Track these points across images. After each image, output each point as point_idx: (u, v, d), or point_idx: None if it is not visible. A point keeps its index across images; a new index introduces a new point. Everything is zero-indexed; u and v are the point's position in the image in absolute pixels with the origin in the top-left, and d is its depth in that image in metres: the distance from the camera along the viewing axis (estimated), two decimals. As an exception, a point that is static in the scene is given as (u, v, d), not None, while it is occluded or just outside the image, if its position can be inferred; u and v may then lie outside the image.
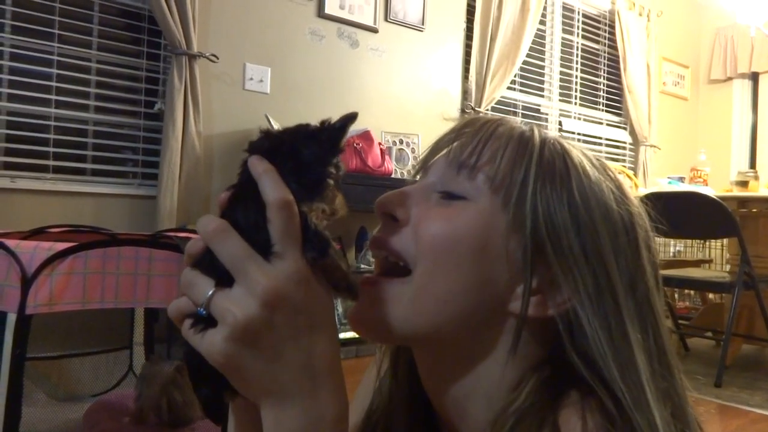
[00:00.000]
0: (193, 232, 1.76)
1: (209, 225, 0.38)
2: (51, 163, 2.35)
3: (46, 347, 1.80)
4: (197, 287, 0.38)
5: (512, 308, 0.44)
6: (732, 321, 2.68)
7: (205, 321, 0.37)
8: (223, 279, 0.37)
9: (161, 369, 1.49)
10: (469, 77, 3.54)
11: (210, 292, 0.37)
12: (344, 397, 0.40)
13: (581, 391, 0.41)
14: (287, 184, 0.38)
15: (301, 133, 0.41)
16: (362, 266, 2.81)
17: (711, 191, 3.20)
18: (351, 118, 0.42)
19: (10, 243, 1.16)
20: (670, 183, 3.60)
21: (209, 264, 0.38)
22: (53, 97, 2.35)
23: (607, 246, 0.44)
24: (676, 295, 4.11)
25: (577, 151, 0.48)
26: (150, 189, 2.51)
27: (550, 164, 0.45)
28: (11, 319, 1.10)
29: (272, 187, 0.38)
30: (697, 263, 3.66)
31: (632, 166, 4.64)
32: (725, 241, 3.55)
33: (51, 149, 2.35)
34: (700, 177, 3.76)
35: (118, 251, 1.20)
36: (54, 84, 2.36)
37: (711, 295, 3.76)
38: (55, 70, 2.36)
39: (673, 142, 4.92)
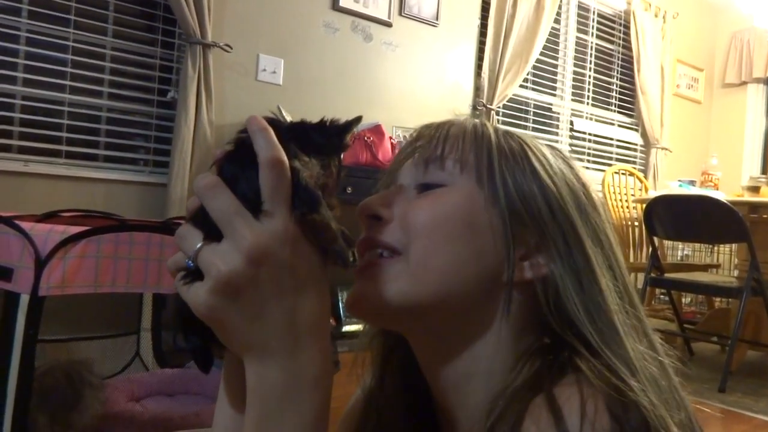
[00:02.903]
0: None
1: (202, 180, 0.39)
2: (64, 148, 2.37)
3: (55, 330, 1.82)
4: (187, 240, 0.39)
5: (505, 279, 0.46)
6: (738, 326, 2.67)
7: (194, 274, 0.38)
8: (212, 233, 0.38)
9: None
10: (482, 74, 3.53)
11: (198, 245, 0.38)
12: (327, 356, 0.41)
13: (577, 371, 0.43)
14: (284, 145, 0.39)
15: (309, 123, 0.43)
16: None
17: (722, 195, 3.19)
18: (357, 120, 0.45)
19: (25, 225, 1.18)
20: (680, 186, 3.59)
21: (201, 219, 0.39)
22: (67, 82, 2.37)
23: (571, 205, 0.48)
24: (684, 299, 4.10)
25: (528, 136, 0.52)
26: (161, 177, 2.53)
27: (508, 146, 0.50)
28: (24, 300, 1.12)
29: (266, 146, 0.38)
30: (704, 267, 3.65)
31: (643, 168, 4.62)
32: (734, 246, 3.53)
33: (64, 134, 2.37)
34: (711, 181, 3.75)
35: (130, 236, 1.21)
36: (69, 70, 2.37)
37: (718, 300, 3.75)
38: (70, 56, 2.37)
39: (685, 145, 4.89)
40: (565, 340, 0.45)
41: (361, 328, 0.57)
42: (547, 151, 0.51)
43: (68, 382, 1.43)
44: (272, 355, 0.39)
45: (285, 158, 0.39)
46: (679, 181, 3.65)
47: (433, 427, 0.53)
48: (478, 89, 3.58)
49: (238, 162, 0.39)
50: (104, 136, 2.48)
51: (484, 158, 0.48)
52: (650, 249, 3.02)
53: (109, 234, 1.19)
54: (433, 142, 0.50)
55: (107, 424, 1.48)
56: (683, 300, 4.07)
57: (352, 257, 0.44)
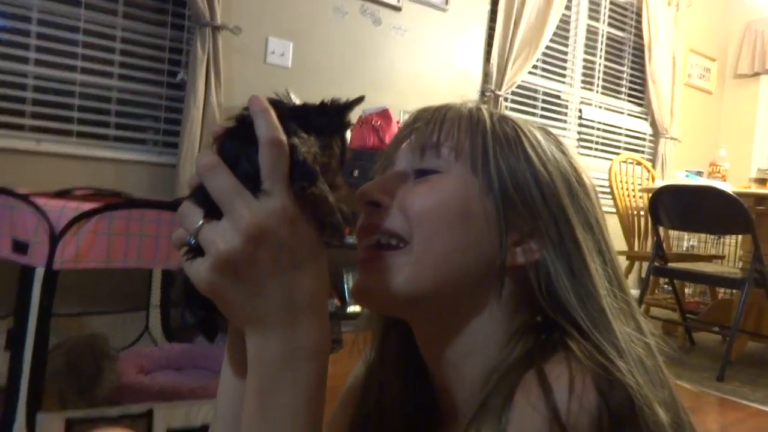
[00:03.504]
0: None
1: (202, 159, 0.40)
2: (75, 127, 2.41)
3: (67, 305, 1.87)
4: (188, 218, 0.40)
5: (498, 261, 0.48)
6: (739, 317, 2.69)
7: (195, 250, 0.40)
8: (212, 212, 0.39)
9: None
10: (491, 60, 3.53)
11: (199, 223, 0.39)
12: (325, 331, 0.43)
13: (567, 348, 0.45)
14: (284, 124, 0.40)
15: (311, 105, 0.44)
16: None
17: (728, 187, 3.19)
18: (358, 100, 0.45)
19: (39, 202, 1.21)
20: (687, 176, 3.58)
21: (202, 197, 0.40)
22: (79, 63, 2.39)
23: (563, 192, 0.49)
24: (687, 290, 4.11)
25: (522, 120, 0.53)
26: (170, 157, 2.56)
27: (502, 132, 0.50)
28: (39, 273, 1.15)
29: (266, 126, 0.39)
30: (709, 258, 3.66)
31: (651, 157, 4.61)
32: (739, 238, 3.53)
33: (75, 114, 2.40)
34: (718, 172, 3.74)
35: (141, 214, 1.25)
36: (80, 51, 2.40)
37: (721, 292, 3.76)
38: (81, 37, 2.40)
39: (695, 135, 4.87)
40: (556, 322, 0.47)
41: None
42: (540, 137, 0.52)
43: (92, 355, 1.48)
44: (271, 328, 0.41)
45: (284, 138, 0.40)
46: (686, 171, 3.65)
47: (431, 401, 0.55)
48: (486, 75, 3.58)
49: (238, 141, 0.40)
50: (114, 116, 2.51)
51: (479, 146, 0.49)
52: (655, 238, 3.03)
53: (120, 211, 1.23)
54: (429, 127, 0.51)
55: (118, 395, 1.52)
56: (687, 291, 4.09)
57: (348, 232, 0.46)
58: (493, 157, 0.49)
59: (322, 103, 0.45)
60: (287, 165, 0.40)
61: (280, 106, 0.42)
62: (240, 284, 0.39)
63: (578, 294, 0.47)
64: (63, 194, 1.67)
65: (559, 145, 0.53)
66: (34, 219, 1.18)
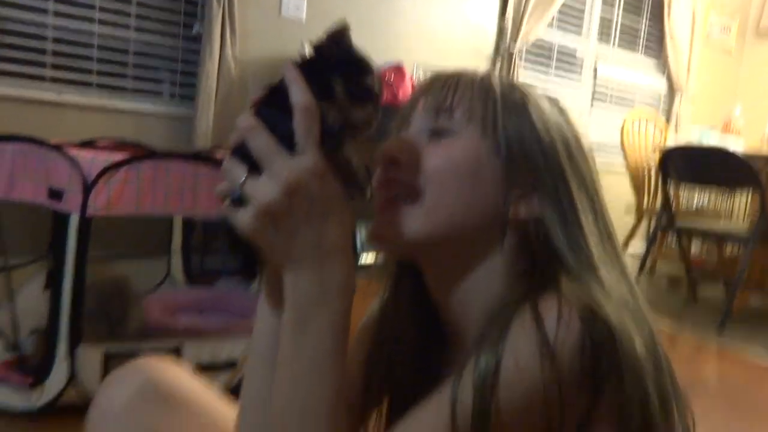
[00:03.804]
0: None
1: (244, 122, 0.46)
2: (94, 79, 2.46)
3: (90, 250, 1.96)
4: (233, 173, 0.47)
5: (502, 215, 0.55)
6: (743, 272, 2.75)
7: (239, 201, 0.46)
8: (254, 168, 0.46)
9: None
10: (506, 15, 3.49)
11: (243, 179, 0.46)
12: (350, 270, 0.49)
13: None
14: (315, 90, 0.46)
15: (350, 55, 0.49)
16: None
17: (741, 142, 3.20)
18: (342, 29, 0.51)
19: (71, 152, 1.28)
20: (701, 133, 3.59)
21: (243, 155, 0.46)
22: (96, 14, 2.42)
23: (562, 155, 0.55)
24: (693, 247, 4.16)
25: (530, 88, 0.58)
26: (187, 109, 2.61)
27: (511, 98, 0.56)
28: (74, 219, 1.23)
29: (300, 93, 0.46)
30: (717, 215, 3.69)
31: (666, 114, 4.59)
32: (749, 198, 3.56)
33: (94, 66, 2.45)
34: (732, 131, 3.73)
35: (166, 165, 1.32)
36: (97, 2, 2.42)
37: (728, 251, 3.81)
38: (98, -13, 2.42)
39: (711, 93, 4.81)
40: (550, 267, 0.53)
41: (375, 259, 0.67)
42: (545, 104, 0.57)
43: (118, 296, 1.58)
44: (304, 268, 0.47)
45: (315, 104, 0.46)
46: (700, 127, 3.65)
47: (440, 337, 0.62)
48: (501, 30, 3.55)
49: (274, 106, 0.47)
50: (132, 68, 2.55)
51: (490, 111, 0.55)
52: (664, 194, 3.06)
53: (147, 162, 1.30)
54: (444, 91, 0.56)
55: (145, 334, 1.63)
56: (695, 249, 4.14)
57: (369, 192, 0.53)
58: (502, 122, 0.54)
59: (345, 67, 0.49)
60: (318, 128, 0.46)
61: (311, 69, 0.48)
62: (278, 230, 0.46)
63: (571, 245, 0.53)
64: (88, 145, 1.74)
65: (562, 111, 0.59)
66: (68, 168, 1.25)
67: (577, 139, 0.58)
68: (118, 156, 1.29)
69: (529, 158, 0.54)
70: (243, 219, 0.45)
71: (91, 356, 1.32)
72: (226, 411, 0.68)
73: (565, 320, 0.47)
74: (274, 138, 0.46)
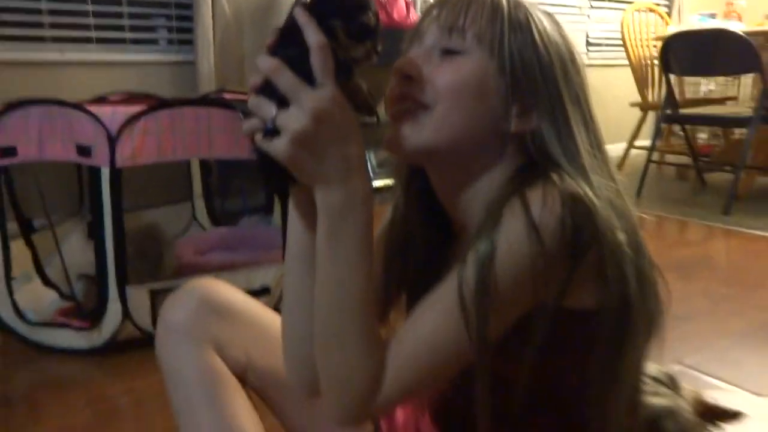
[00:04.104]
0: (234, 92, 1.93)
1: (267, 63, 0.52)
2: (93, 34, 2.49)
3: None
4: (263, 109, 0.53)
5: (504, 128, 0.62)
6: (746, 154, 2.80)
7: (272, 132, 0.53)
8: (283, 102, 0.53)
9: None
10: None
11: (274, 112, 0.52)
12: (370, 183, 0.57)
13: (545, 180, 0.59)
14: (324, 26, 0.52)
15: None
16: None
17: (741, 26, 3.16)
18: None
19: (92, 109, 1.36)
20: (701, 20, 3.53)
21: (270, 92, 0.53)
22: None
23: (559, 73, 0.61)
24: (704, 135, 4.17)
25: (533, 6, 0.63)
26: (187, 54, 2.64)
27: (516, 19, 0.61)
28: (105, 172, 1.33)
29: (314, 34, 0.52)
30: (722, 101, 3.69)
31: (667, 4, 4.47)
32: (753, 79, 3.54)
33: (91, 20, 2.47)
34: (734, 12, 3.66)
35: (182, 112, 1.39)
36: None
37: (736, 134, 3.83)
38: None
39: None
40: (543, 167, 0.59)
41: (386, 184, 0.75)
42: (546, 23, 0.63)
43: (152, 242, 1.70)
44: (333, 183, 0.55)
45: (327, 42, 0.52)
46: (699, 14, 3.58)
47: (447, 234, 0.70)
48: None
49: (291, 46, 0.53)
50: (128, 18, 2.57)
51: (498, 33, 0.60)
52: (667, 86, 3.07)
53: (163, 111, 1.37)
54: (456, 10, 0.62)
55: (180, 274, 1.76)
56: (702, 136, 4.15)
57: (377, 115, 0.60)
58: (507, 44, 0.60)
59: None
60: (332, 62, 0.53)
61: (317, 11, 0.54)
62: (309, 153, 0.53)
63: (564, 153, 0.60)
64: (101, 101, 1.81)
65: (561, 29, 0.64)
66: (92, 125, 1.33)
67: (573, 56, 0.63)
68: (135, 108, 1.37)
69: (529, 77, 0.60)
70: (279, 147, 0.52)
71: (138, 295, 1.46)
72: (274, 319, 0.79)
73: (548, 204, 0.54)
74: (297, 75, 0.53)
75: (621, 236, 0.56)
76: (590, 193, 0.56)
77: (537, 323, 0.57)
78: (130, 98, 1.83)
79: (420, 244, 0.71)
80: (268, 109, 0.53)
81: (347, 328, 0.57)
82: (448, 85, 0.60)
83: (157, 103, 1.40)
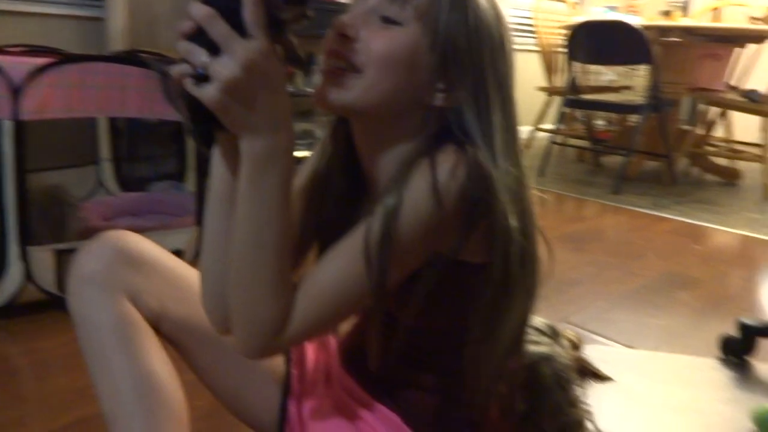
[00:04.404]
0: (146, 53, 1.88)
1: (201, 10, 0.54)
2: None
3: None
4: (194, 55, 0.55)
5: (427, 101, 0.66)
6: (636, 139, 3.05)
7: (202, 78, 0.54)
8: (213, 50, 0.54)
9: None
10: None
11: (205, 59, 0.54)
12: (293, 135, 0.61)
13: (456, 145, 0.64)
14: None
15: None
16: (308, 89, 2.96)
17: (638, 20, 3.40)
18: None
19: (-8, 59, 1.29)
20: (605, 12, 3.76)
21: (201, 39, 0.54)
22: None
23: (486, 57, 0.65)
24: (602, 121, 4.47)
25: None
26: (97, 10, 2.51)
27: None
28: (7, 126, 1.27)
29: None
30: (619, 89, 3.97)
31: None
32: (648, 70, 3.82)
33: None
34: (634, 6, 3.93)
35: (92, 67, 1.35)
36: None
37: (631, 122, 4.13)
38: None
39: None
40: (458, 137, 0.64)
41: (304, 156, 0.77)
42: (485, 5, 0.65)
43: (55, 202, 1.63)
44: (259, 133, 0.57)
45: None
46: (604, 6, 3.82)
47: (363, 189, 0.73)
48: None
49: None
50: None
51: (436, 10, 0.63)
52: (570, 73, 3.27)
53: (71, 65, 1.32)
54: None
55: (86, 237, 1.71)
56: (600, 122, 4.45)
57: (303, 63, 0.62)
58: (443, 22, 0.63)
59: None
60: (264, 16, 0.55)
61: None
62: (239, 102, 0.55)
63: (480, 133, 0.63)
64: (-1, 52, 1.70)
65: (498, 13, 0.67)
66: (-8, 75, 1.26)
67: (503, 42, 0.67)
68: (40, 60, 1.31)
69: (458, 58, 0.64)
70: (208, 93, 0.54)
71: (42, 256, 1.41)
72: (188, 269, 0.81)
73: (455, 172, 0.59)
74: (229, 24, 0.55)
75: (513, 221, 0.61)
76: (495, 175, 0.61)
77: (429, 271, 0.62)
78: (30, 51, 1.74)
79: (337, 196, 0.74)
80: (200, 55, 0.54)
81: (261, 268, 0.60)
82: (380, 54, 0.63)
83: (65, 57, 1.35)
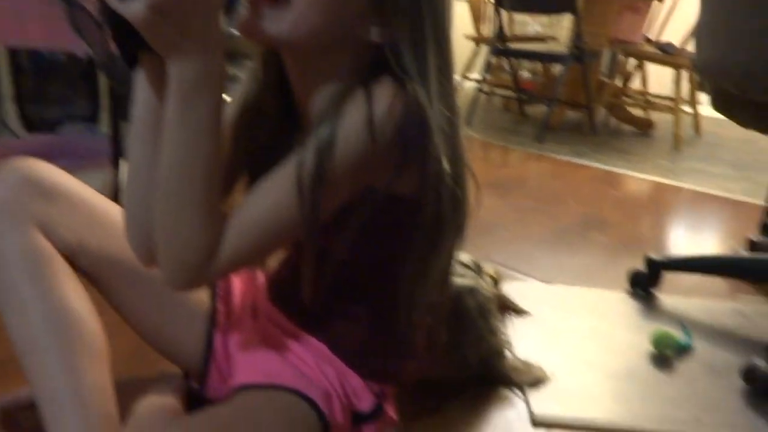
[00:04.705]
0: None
1: None
2: None
3: None
4: None
5: (361, 35, 0.63)
6: (559, 89, 3.14)
7: None
8: None
9: None
10: None
11: None
12: (224, 63, 0.58)
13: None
14: None
15: None
16: (233, 30, 2.84)
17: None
18: None
19: None
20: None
21: None
22: None
23: (425, 5, 0.63)
24: (526, 73, 4.56)
25: None
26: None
27: None
28: None
29: None
30: (544, 39, 4.05)
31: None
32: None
33: None
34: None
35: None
36: None
37: (555, 73, 4.24)
38: None
39: None
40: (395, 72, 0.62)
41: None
42: None
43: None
44: (190, 56, 0.54)
45: None
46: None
47: (295, 122, 0.71)
48: None
49: None
50: None
51: None
52: (498, 22, 3.29)
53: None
54: None
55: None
56: (525, 73, 4.54)
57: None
58: None
59: None
60: None
61: None
62: (169, 23, 0.52)
63: (416, 70, 0.61)
64: None
65: None
66: None
67: None
68: None
69: None
70: (134, 10, 0.50)
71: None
72: (106, 201, 0.77)
73: (392, 107, 0.58)
74: None
75: (445, 163, 0.61)
76: (430, 115, 0.60)
77: (362, 205, 0.62)
78: None
79: (268, 126, 0.72)
80: None
81: (189, 198, 0.58)
82: None
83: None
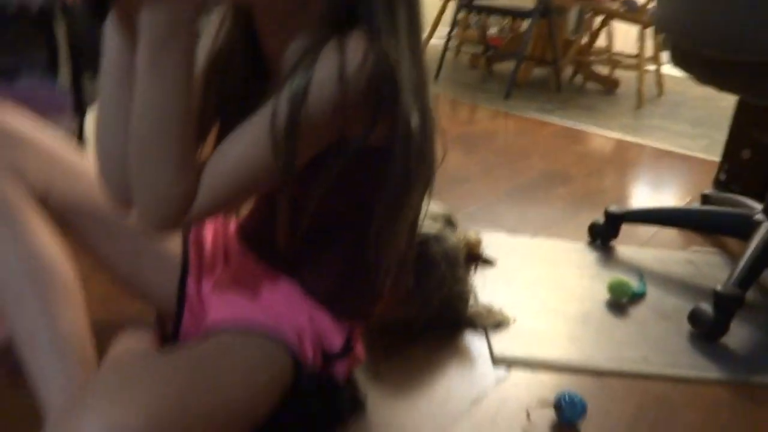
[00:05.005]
0: None
1: None
2: None
3: None
4: None
5: None
6: (526, 45, 3.15)
7: None
8: None
9: None
10: None
11: None
12: (198, 9, 0.57)
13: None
14: None
15: None
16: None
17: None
18: None
19: None
20: None
21: None
22: None
23: None
24: (493, 29, 4.55)
25: None
26: None
27: None
28: None
29: None
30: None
31: None
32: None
33: None
34: None
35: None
36: None
37: (522, 29, 4.23)
38: None
39: None
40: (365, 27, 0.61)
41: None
42: None
43: None
44: (162, 5, 0.53)
45: None
46: None
47: (265, 75, 0.71)
48: None
49: None
50: None
51: None
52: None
53: None
54: None
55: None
56: (493, 30, 4.53)
57: None
58: None
59: None
60: None
61: None
62: None
63: (387, 24, 0.61)
64: None
65: None
66: None
67: None
68: None
69: None
70: None
71: None
72: (72, 148, 0.76)
73: (364, 61, 0.58)
74: None
75: (414, 117, 0.63)
76: (401, 69, 0.61)
77: (335, 156, 0.63)
78: None
79: (239, 75, 0.72)
80: None
81: (164, 146, 0.59)
82: None
83: None
